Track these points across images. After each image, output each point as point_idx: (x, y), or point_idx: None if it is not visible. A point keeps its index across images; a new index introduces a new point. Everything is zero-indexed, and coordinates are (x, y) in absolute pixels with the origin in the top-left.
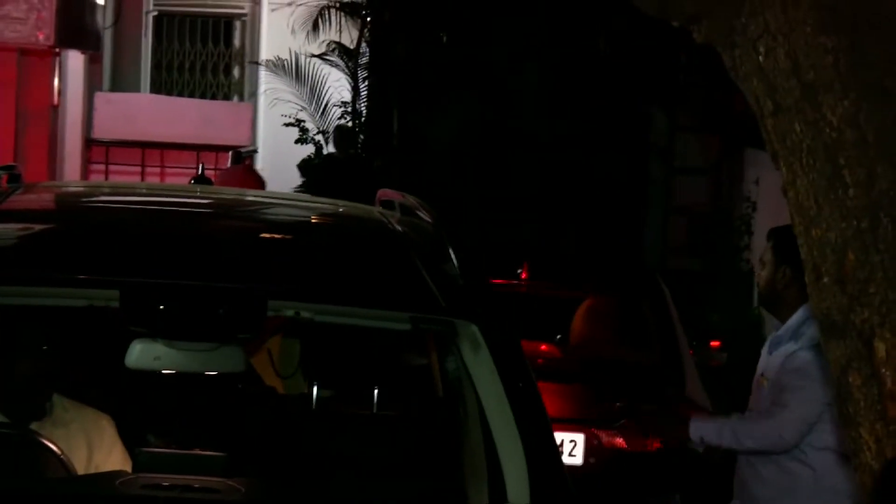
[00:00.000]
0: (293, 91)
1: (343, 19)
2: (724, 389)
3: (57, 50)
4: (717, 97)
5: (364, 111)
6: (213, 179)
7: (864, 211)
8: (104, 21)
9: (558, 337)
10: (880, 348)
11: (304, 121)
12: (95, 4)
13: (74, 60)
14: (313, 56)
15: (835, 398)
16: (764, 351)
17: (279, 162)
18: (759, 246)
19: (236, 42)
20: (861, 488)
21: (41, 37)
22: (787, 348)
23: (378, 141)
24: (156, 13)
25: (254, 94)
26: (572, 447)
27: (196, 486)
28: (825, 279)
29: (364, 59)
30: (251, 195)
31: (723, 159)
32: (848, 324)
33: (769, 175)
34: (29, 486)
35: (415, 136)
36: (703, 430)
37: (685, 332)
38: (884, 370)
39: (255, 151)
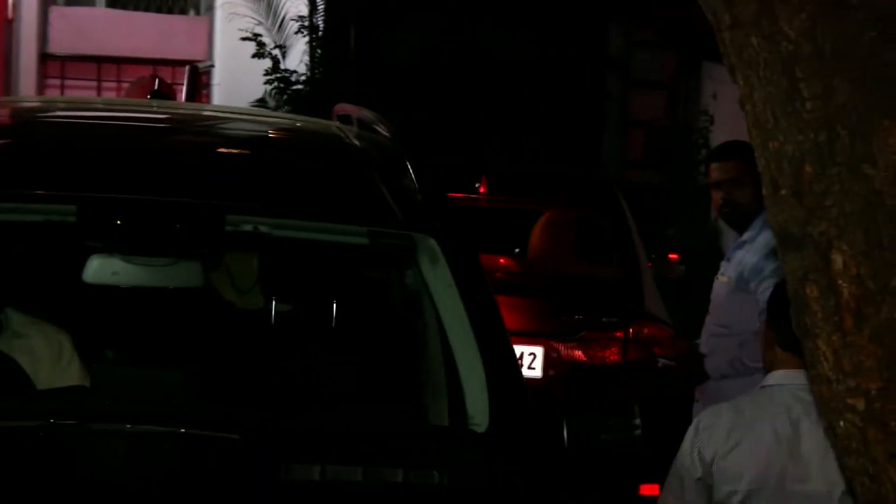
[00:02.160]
0: (250, 5)
1: None
2: (682, 302)
3: None
4: (674, 12)
5: (322, 26)
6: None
7: (821, 123)
8: None
9: (517, 251)
10: (837, 260)
11: (260, 35)
12: None
13: None
14: None
15: (792, 310)
16: (723, 261)
17: (236, 76)
18: None
19: None
20: (818, 399)
21: None
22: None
23: (335, 57)
24: None
25: (210, 8)
26: (531, 360)
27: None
28: (782, 191)
29: None
30: (209, 110)
31: (680, 74)
32: (805, 236)
33: (726, 89)
34: None
35: (373, 52)
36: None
37: (643, 245)
38: (840, 282)
39: (212, 66)
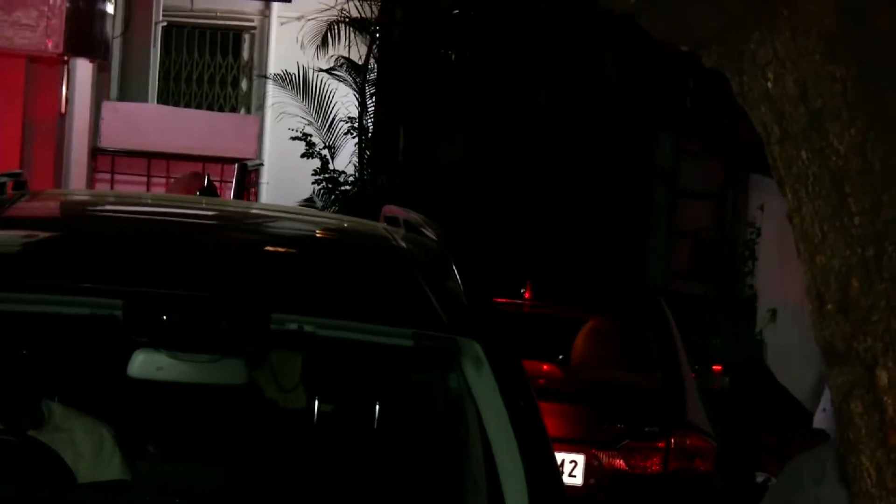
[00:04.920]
0: (300, 105)
1: (352, 35)
2: (725, 414)
3: (65, 58)
4: (723, 122)
5: (370, 127)
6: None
7: (868, 239)
8: (113, 30)
9: (560, 357)
10: (882, 376)
11: (310, 135)
12: (105, 13)
13: (83, 69)
14: (321, 71)
15: (836, 425)
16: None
17: (285, 175)
18: (763, 271)
19: (245, 55)
20: None
21: (50, 44)
22: None
23: (384, 158)
24: (165, 24)
25: (261, 108)
26: (573, 468)
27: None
28: (829, 306)
29: (372, 76)
30: (257, 208)
31: (728, 184)
32: (851, 351)
33: (774, 201)
34: (32, 493)
35: (421, 153)
36: None
37: (687, 356)
38: (886, 398)
39: (261, 164)
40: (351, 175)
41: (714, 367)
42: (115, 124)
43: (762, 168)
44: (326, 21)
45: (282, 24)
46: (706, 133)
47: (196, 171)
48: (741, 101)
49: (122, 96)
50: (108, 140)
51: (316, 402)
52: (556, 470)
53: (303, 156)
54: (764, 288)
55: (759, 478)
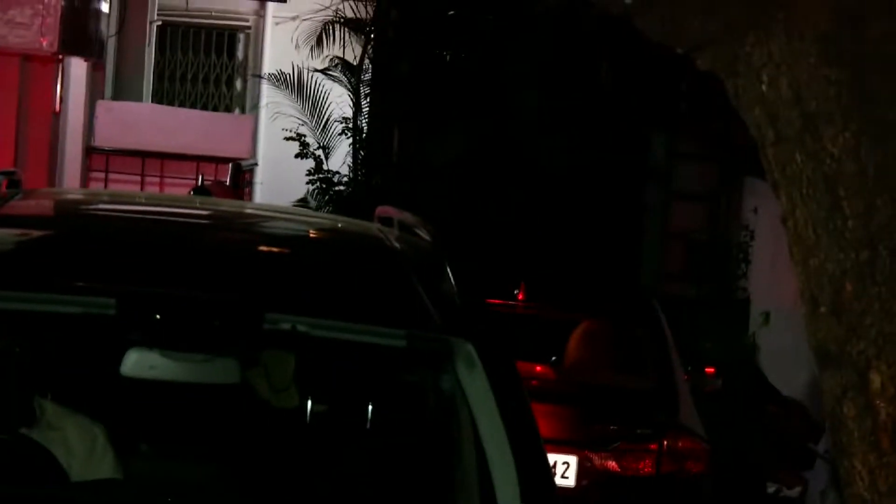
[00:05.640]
0: (295, 105)
1: (347, 35)
2: (718, 416)
3: (60, 56)
4: (717, 125)
5: (365, 128)
6: (211, 191)
7: (862, 242)
8: (108, 29)
9: (553, 359)
10: (875, 380)
11: (304, 135)
12: (100, 12)
13: (77, 68)
14: (316, 71)
15: (828, 428)
16: None
17: (279, 176)
18: (757, 274)
19: (239, 54)
20: None
21: (45, 43)
22: None
23: (378, 158)
24: (160, 23)
25: (255, 107)
26: (565, 469)
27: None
28: (822, 309)
29: (367, 76)
30: (250, 208)
31: (721, 187)
32: (844, 354)
33: (768, 204)
34: (24, 492)
35: (415, 154)
36: None
37: (680, 358)
38: (878, 401)
39: (256, 164)
40: (345, 175)
41: (707, 370)
42: (109, 123)
43: (756, 171)
44: (321, 21)
45: (277, 23)
46: (700, 135)
47: (220, 179)
48: (735, 104)
49: (117, 95)
50: (103, 139)
51: (309, 402)
52: (549, 471)
53: (297, 156)
54: (757, 291)
55: (771, 488)
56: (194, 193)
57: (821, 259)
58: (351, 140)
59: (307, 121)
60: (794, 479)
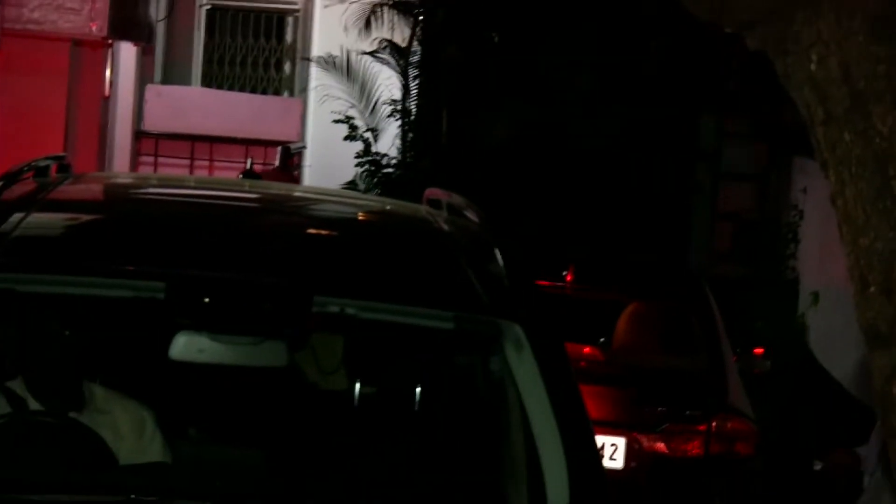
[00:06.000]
0: (343, 88)
1: (395, 17)
2: (767, 397)
3: (110, 41)
4: (766, 105)
5: (414, 110)
6: (260, 174)
7: None
8: (157, 13)
9: (602, 340)
10: None
11: (353, 118)
12: None
13: (127, 52)
14: (364, 53)
15: (878, 409)
16: None
17: (327, 159)
18: (806, 254)
19: (288, 37)
20: None
21: (94, 28)
22: None
23: (427, 140)
24: (209, 7)
25: (304, 90)
26: (613, 451)
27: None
28: (872, 288)
29: (415, 58)
30: (299, 191)
31: (770, 167)
32: (894, 335)
33: (817, 184)
34: (73, 475)
35: (464, 136)
36: None
37: (729, 339)
38: None
39: (304, 147)
40: (393, 158)
41: (755, 351)
42: (158, 107)
43: (805, 150)
44: (370, 3)
45: (325, 6)
46: (749, 115)
47: (276, 165)
48: (785, 83)
49: (166, 79)
50: (152, 123)
51: (357, 385)
52: (597, 454)
53: (346, 138)
54: (806, 271)
55: (818, 466)
56: (243, 177)
57: (870, 238)
58: (399, 123)
59: (356, 103)
60: (846, 457)
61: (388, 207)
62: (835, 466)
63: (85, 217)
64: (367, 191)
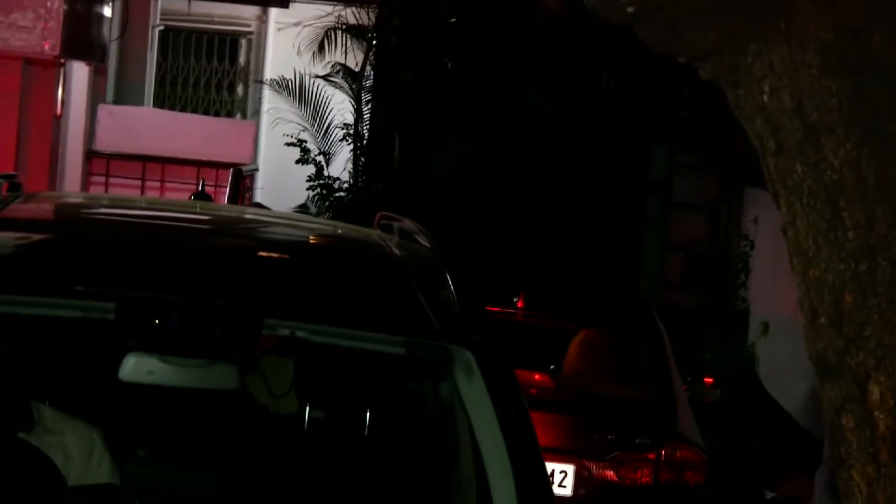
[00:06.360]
0: (296, 111)
1: (349, 41)
2: (717, 426)
3: (62, 60)
4: (717, 135)
5: (366, 134)
6: (212, 196)
7: (862, 253)
8: (110, 34)
9: (552, 367)
10: (874, 391)
11: (305, 141)
12: (102, 16)
13: (79, 72)
14: (318, 77)
15: (827, 439)
16: None
17: (279, 182)
18: (757, 284)
19: (241, 60)
20: None
21: (47, 46)
22: None
23: (379, 165)
24: (162, 28)
25: (257, 113)
26: (563, 478)
27: None
28: (822, 319)
29: (368, 83)
30: (250, 213)
31: (722, 197)
32: (843, 366)
33: (768, 214)
34: (21, 497)
35: (416, 161)
36: None
37: (679, 367)
38: (877, 413)
39: (256, 170)
40: (346, 182)
41: (706, 380)
42: (110, 127)
43: (757, 181)
44: (323, 27)
45: (279, 29)
46: (701, 145)
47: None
48: (737, 114)
49: (118, 99)
50: (104, 143)
51: (307, 409)
52: (547, 480)
53: (298, 162)
54: (757, 301)
55: (769, 495)
56: (195, 198)
57: (821, 269)
58: (352, 146)
59: (308, 127)
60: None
61: (339, 231)
62: (784, 498)
63: (35, 236)
64: (318, 214)
